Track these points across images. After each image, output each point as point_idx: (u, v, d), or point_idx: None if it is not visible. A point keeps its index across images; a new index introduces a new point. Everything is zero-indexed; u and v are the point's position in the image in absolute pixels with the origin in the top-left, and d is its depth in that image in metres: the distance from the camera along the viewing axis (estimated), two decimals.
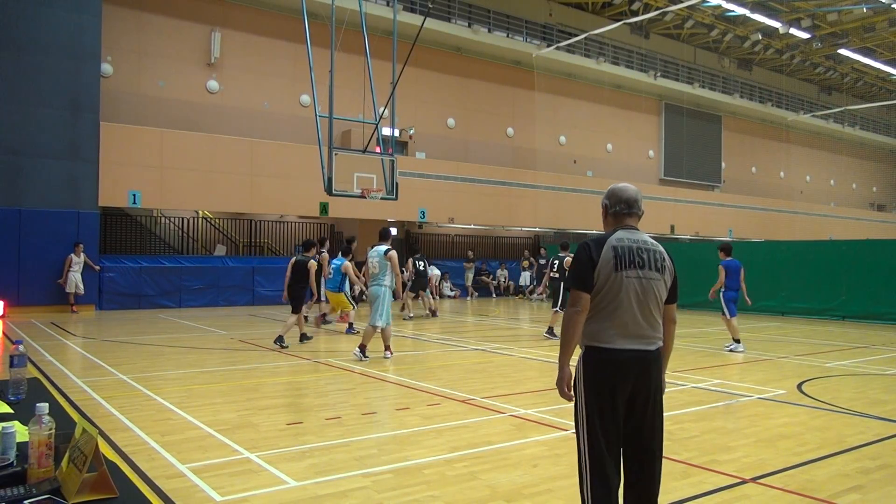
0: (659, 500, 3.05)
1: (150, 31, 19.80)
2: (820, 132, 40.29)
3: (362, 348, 9.31)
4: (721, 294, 10.90)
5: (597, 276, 2.98)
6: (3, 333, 12.24)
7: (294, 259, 11.19)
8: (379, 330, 9.37)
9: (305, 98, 21.64)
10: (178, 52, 20.22)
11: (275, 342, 10.55)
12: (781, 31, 28.39)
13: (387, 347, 9.58)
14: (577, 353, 3.12)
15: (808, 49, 33.86)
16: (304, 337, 11.25)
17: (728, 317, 10.77)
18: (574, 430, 3.07)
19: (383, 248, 9.45)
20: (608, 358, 2.95)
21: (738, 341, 10.72)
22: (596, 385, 2.95)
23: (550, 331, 12.39)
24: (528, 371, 9.01)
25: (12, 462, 2.34)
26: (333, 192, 13.90)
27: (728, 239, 30.89)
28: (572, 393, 3.08)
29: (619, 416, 2.94)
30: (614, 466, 2.94)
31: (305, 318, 12.08)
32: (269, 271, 19.43)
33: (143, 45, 19.67)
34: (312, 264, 11.09)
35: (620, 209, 3.18)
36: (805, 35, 30.10)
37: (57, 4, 16.14)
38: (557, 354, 3.05)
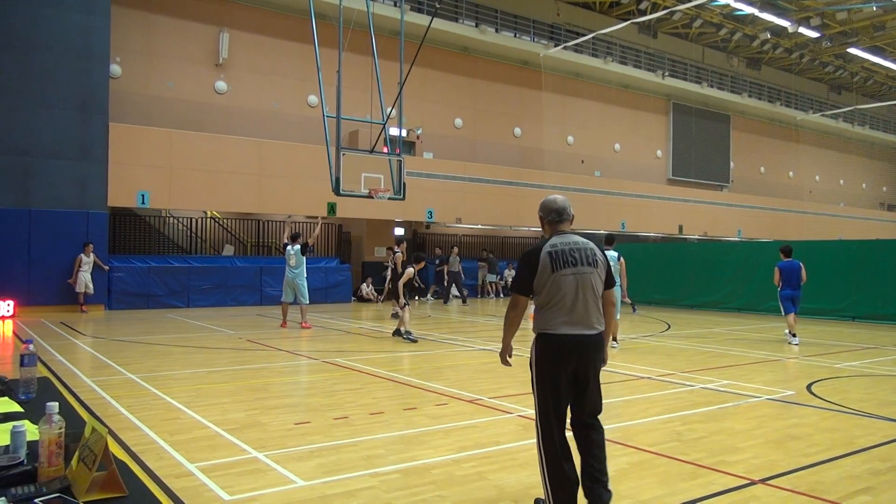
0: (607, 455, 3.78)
1: (159, 32, 19.90)
2: (829, 132, 40.03)
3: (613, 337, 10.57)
4: (778, 293, 12.05)
5: (537, 279, 3.64)
6: (14, 333, 12.32)
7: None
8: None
9: (313, 98, 21.70)
10: (187, 53, 20.31)
11: (403, 336, 11.55)
12: (790, 30, 28.22)
13: (613, 338, 10.66)
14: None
15: (818, 48, 33.66)
16: (407, 335, 11.74)
17: (783, 314, 12.01)
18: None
19: (613, 253, 11.00)
20: (553, 342, 3.64)
21: (793, 335, 11.81)
22: (544, 363, 3.67)
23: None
24: None
25: (23, 461, 2.35)
26: (341, 192, 13.93)
27: (735, 239, 30.76)
28: (510, 361, 4.00)
29: (564, 386, 3.65)
30: (560, 423, 3.66)
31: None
32: (277, 271, 19.42)
33: (151, 45, 19.77)
34: (409, 271, 11.97)
35: (552, 218, 3.83)
36: (814, 34, 29.92)
37: (66, 6, 16.24)
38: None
